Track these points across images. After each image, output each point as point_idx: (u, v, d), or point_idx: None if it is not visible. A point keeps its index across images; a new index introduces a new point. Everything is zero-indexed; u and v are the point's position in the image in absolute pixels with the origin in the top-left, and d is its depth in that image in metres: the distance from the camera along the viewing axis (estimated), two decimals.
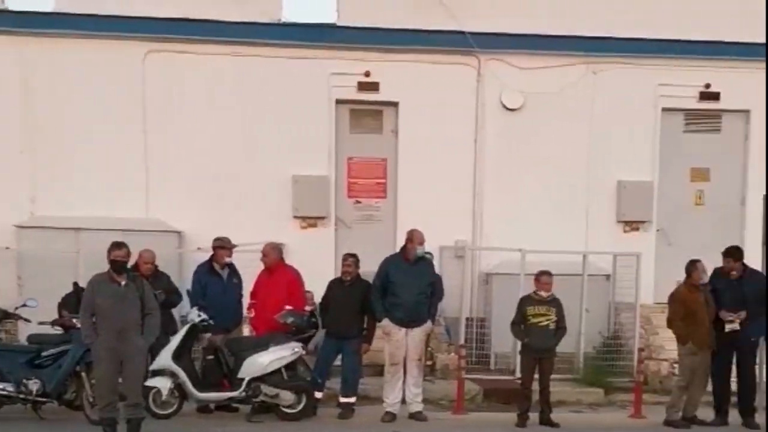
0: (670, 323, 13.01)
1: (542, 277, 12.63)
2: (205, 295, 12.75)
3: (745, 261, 13.01)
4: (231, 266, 13.12)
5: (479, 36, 16.20)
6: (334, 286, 13.07)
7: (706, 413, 12.89)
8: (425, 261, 12.95)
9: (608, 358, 15.41)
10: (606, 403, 14.53)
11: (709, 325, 12.54)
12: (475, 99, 16.55)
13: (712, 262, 13.23)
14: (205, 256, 13.42)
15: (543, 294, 12.57)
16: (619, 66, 16.72)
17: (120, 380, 10.72)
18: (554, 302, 12.61)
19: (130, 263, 11.33)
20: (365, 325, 12.81)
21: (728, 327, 12.52)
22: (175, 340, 12.12)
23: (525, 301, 12.71)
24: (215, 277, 12.98)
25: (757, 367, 13.21)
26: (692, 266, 12.80)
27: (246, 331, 13.24)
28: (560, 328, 12.61)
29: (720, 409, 12.85)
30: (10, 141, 15.65)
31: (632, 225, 16.85)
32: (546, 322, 12.47)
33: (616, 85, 16.69)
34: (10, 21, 15.52)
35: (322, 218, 16.22)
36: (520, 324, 12.58)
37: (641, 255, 15.70)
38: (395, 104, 16.52)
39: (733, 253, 12.92)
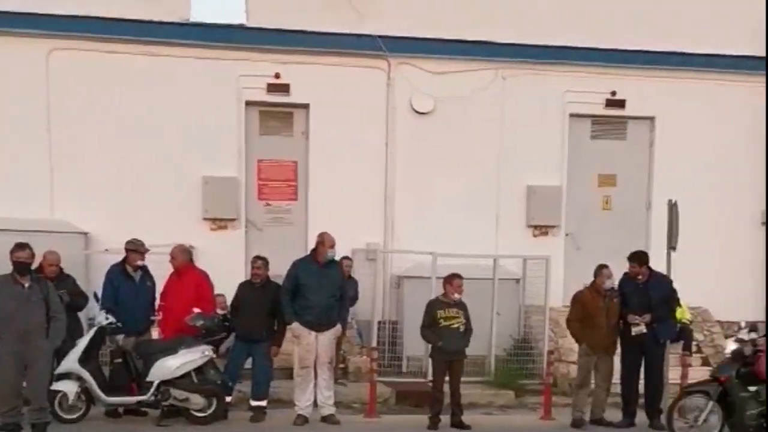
0: (569, 323, 13.21)
1: (455, 280, 12.61)
2: (117, 297, 12.44)
3: (651, 265, 13.20)
4: (144, 269, 12.83)
5: (389, 39, 16.20)
6: (243, 288, 12.89)
7: (615, 415, 13.03)
8: (335, 264, 12.83)
9: (519, 360, 15.57)
10: (517, 405, 14.64)
11: (607, 330, 12.71)
12: (386, 102, 16.51)
13: (620, 265, 13.44)
14: (113, 258, 13.12)
15: (453, 296, 12.58)
16: (528, 72, 16.86)
17: (24, 384, 10.43)
18: (461, 304, 12.63)
19: (34, 265, 11.04)
20: (275, 328, 12.67)
21: (634, 330, 12.68)
22: (82, 343, 11.79)
23: (434, 305, 12.69)
24: (128, 279, 12.66)
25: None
26: (598, 271, 12.97)
27: (154, 334, 12.97)
28: (468, 330, 12.65)
29: (627, 410, 13.00)
30: None
31: (541, 229, 17.01)
32: (457, 325, 12.48)
33: (525, 91, 16.81)
34: None
35: (233, 220, 16.02)
36: (431, 327, 12.55)
37: (550, 259, 15.90)
38: (306, 106, 16.39)
39: (638, 258, 13.12)
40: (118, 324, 12.02)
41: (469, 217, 16.37)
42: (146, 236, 13.08)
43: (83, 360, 11.69)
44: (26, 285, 10.42)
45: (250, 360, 12.76)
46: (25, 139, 15.32)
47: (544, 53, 16.71)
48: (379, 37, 16.12)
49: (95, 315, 12.24)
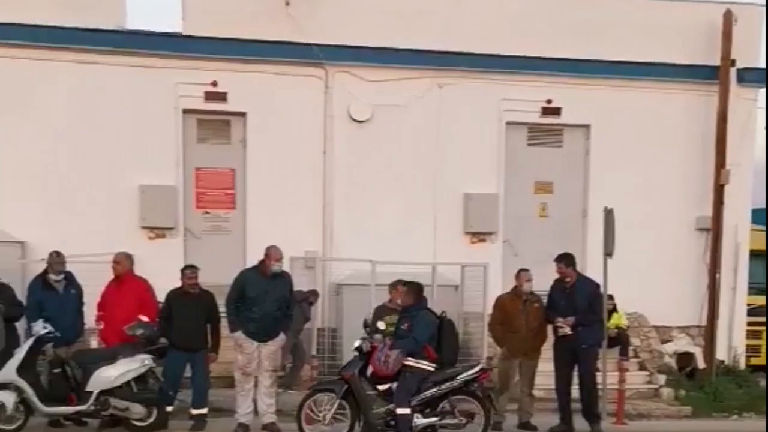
0: (490, 327, 13.58)
1: (399, 285, 12.74)
2: (42, 309, 12.29)
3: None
4: (67, 277, 12.71)
5: (327, 48, 16.17)
6: (176, 297, 12.78)
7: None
8: (282, 277, 12.66)
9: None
10: None
11: (526, 334, 12.97)
12: (324, 110, 16.47)
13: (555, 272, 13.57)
14: None
15: (399, 302, 12.63)
16: (464, 80, 16.90)
17: None
18: None
19: None
20: (209, 336, 12.69)
21: (560, 332, 12.96)
22: (20, 354, 11.69)
23: (381, 311, 12.80)
24: (50, 290, 12.56)
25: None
26: (518, 275, 13.30)
27: (94, 343, 12.83)
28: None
29: (562, 415, 13.23)
30: None
31: (479, 236, 17.04)
32: None
33: (461, 99, 16.87)
34: None
35: (170, 229, 15.87)
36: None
37: (488, 265, 15.90)
38: (243, 114, 16.30)
39: (563, 258, 13.33)
40: (57, 333, 11.91)
41: (407, 224, 16.44)
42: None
43: (21, 370, 11.56)
44: None
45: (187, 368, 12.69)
46: None
47: (479, 62, 16.74)
48: (316, 45, 16.07)
49: (33, 325, 12.04)
